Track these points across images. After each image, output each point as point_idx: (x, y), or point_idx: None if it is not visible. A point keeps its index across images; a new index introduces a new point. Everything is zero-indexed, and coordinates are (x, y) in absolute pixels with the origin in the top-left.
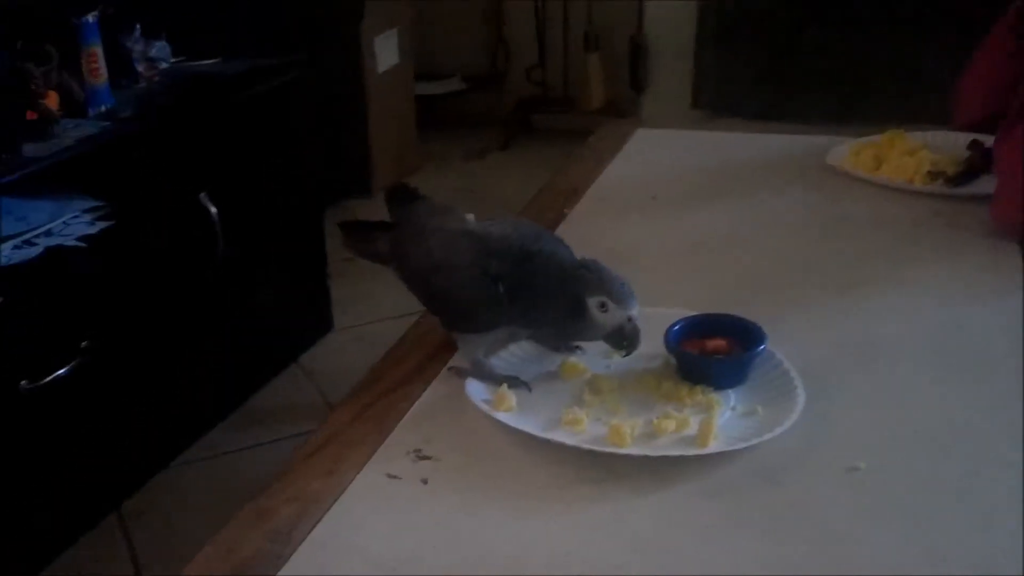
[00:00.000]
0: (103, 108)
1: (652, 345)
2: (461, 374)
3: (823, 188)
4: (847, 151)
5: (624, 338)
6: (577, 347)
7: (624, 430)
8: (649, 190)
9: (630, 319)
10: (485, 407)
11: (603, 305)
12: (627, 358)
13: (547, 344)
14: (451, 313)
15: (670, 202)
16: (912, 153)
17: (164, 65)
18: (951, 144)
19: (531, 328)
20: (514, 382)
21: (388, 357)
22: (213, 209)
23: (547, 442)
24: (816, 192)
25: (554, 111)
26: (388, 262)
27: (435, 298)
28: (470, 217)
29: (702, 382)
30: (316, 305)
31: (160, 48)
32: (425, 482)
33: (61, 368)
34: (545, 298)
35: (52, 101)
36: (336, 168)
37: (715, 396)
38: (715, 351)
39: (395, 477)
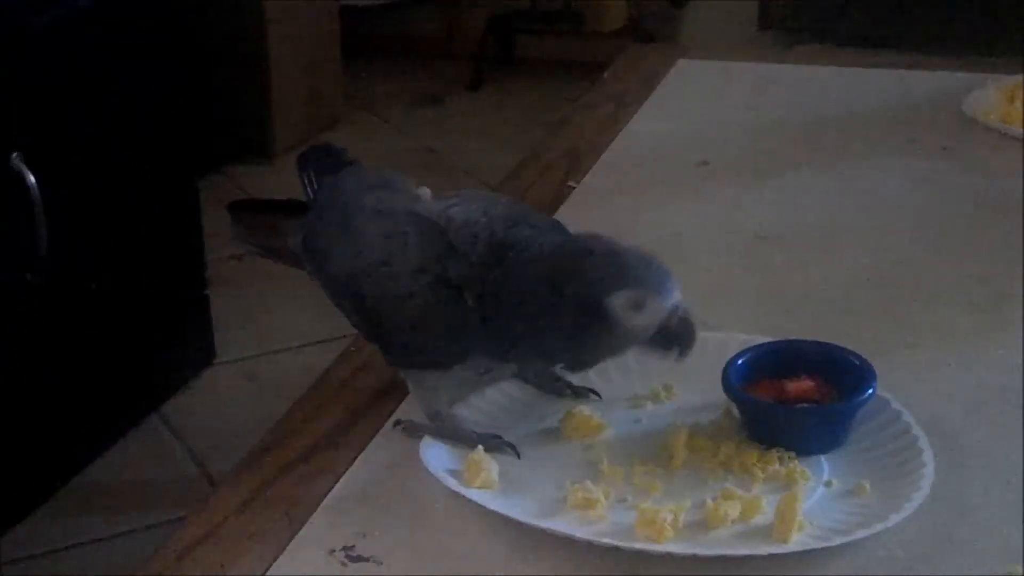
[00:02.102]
0: None
1: (703, 388)
2: (414, 432)
3: (957, 152)
4: (993, 96)
5: (675, 337)
6: (590, 391)
7: (663, 517)
8: (695, 153)
9: (675, 309)
10: (451, 482)
11: (636, 303)
12: (665, 406)
13: (543, 385)
14: (396, 340)
15: (727, 172)
16: None
17: None
18: None
19: (517, 360)
20: (494, 444)
21: (300, 406)
22: (31, 178)
23: (545, 533)
24: (946, 158)
25: (549, 32)
26: (301, 261)
27: (371, 317)
28: (423, 192)
29: (780, 444)
30: (189, 326)
31: None
32: None
33: None
34: (537, 312)
35: None
36: (218, 119)
37: (800, 466)
38: (800, 397)
39: None
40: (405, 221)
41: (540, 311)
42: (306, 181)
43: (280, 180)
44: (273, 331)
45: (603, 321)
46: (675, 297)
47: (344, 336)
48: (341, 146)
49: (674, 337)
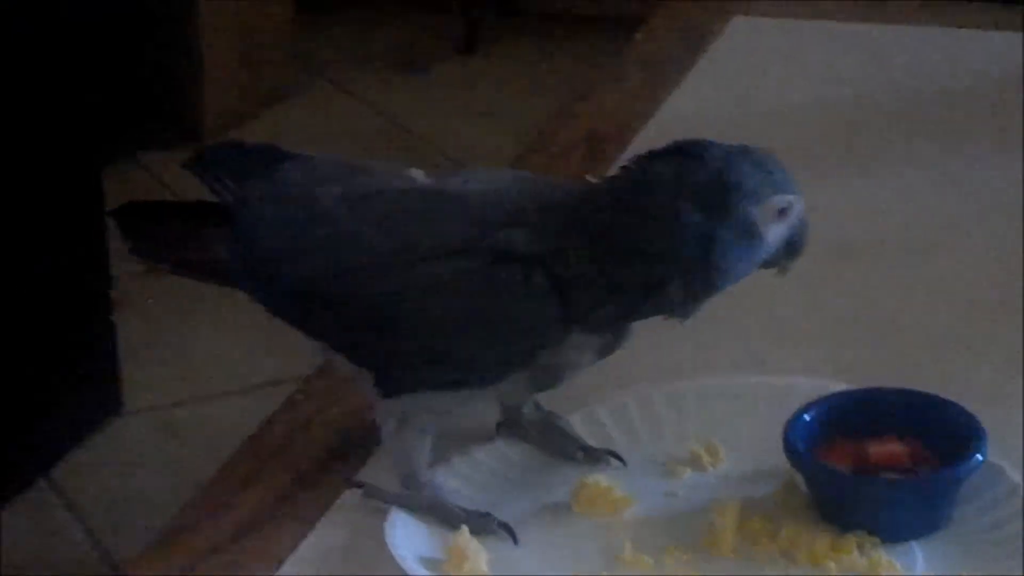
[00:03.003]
0: None
1: (759, 451)
2: (379, 500)
3: None
4: None
5: (795, 244)
6: (609, 454)
7: None
8: (752, 139)
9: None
10: (425, 574)
11: (783, 209)
12: (709, 475)
13: (547, 443)
14: (417, 352)
15: (793, 163)
16: None
17: None
18: None
19: (613, 328)
20: (483, 524)
21: (229, 471)
22: None
23: None
24: None
25: None
26: (231, 277)
27: (374, 328)
28: (415, 173)
29: (859, 526)
30: (88, 363)
31: None
32: None
33: None
34: (661, 250)
35: None
36: (131, 92)
37: (886, 555)
38: (885, 465)
39: None
40: (417, 198)
41: (664, 247)
42: (217, 185)
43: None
44: (197, 371)
45: (744, 235)
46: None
47: (286, 381)
48: (272, 142)
49: (798, 245)
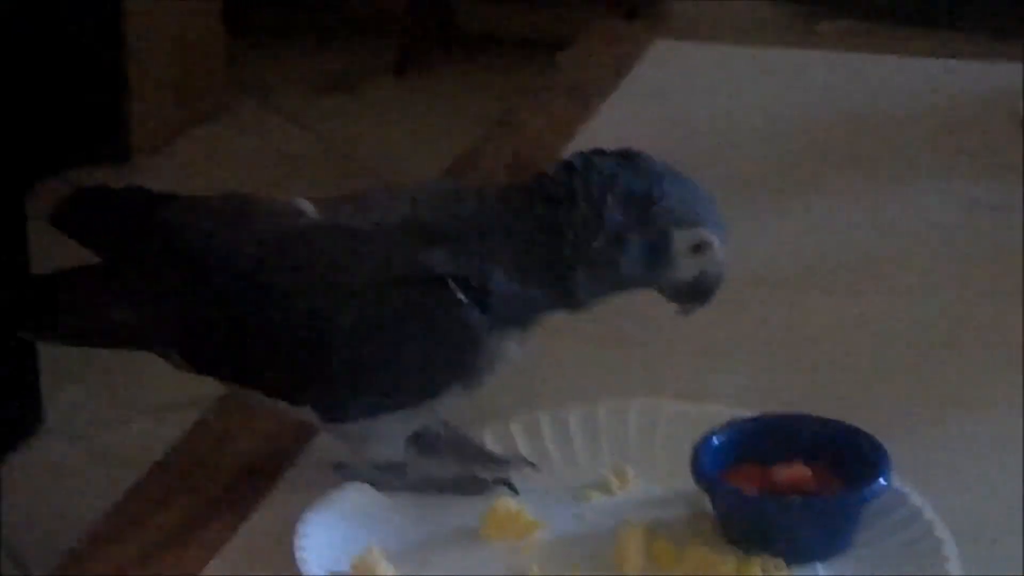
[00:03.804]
0: None
1: (668, 475)
2: (371, 482)
3: (1014, 169)
4: None
5: (704, 287)
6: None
7: None
8: (677, 164)
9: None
10: None
11: (699, 246)
12: (618, 498)
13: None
14: (366, 383)
15: (716, 190)
16: None
17: None
18: None
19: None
20: (485, 485)
21: (140, 491)
22: None
23: None
24: (1000, 177)
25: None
26: (139, 340)
27: (317, 370)
28: (304, 206)
29: (765, 548)
30: (8, 382)
31: None
32: None
33: None
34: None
35: None
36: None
37: None
38: (792, 488)
39: None
40: (326, 237)
41: (580, 237)
42: (90, 238)
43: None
44: (118, 388)
45: (656, 251)
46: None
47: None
48: (135, 185)
49: (705, 287)
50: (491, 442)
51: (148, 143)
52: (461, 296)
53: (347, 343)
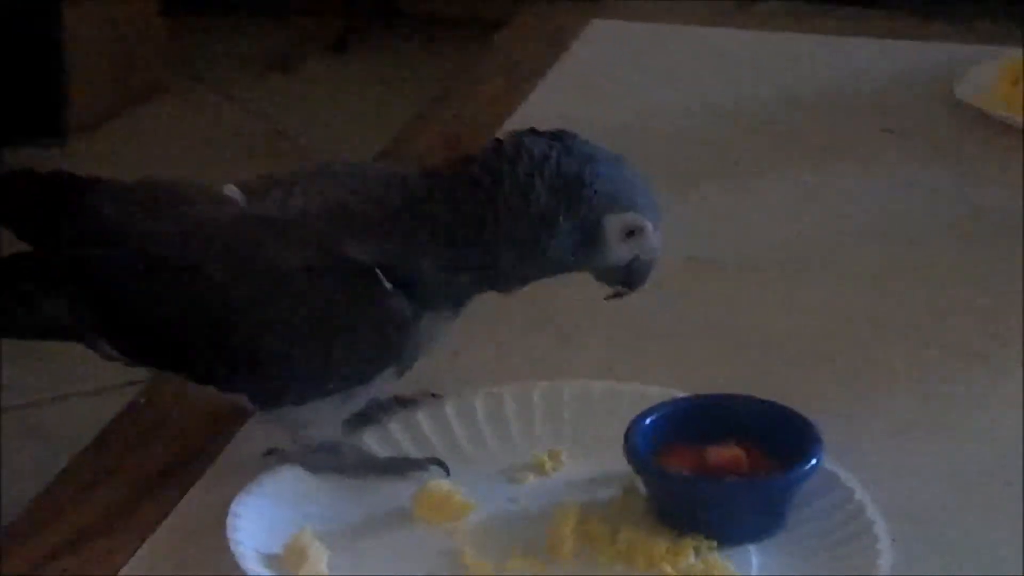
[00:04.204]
0: None
1: (600, 456)
2: (306, 463)
3: (948, 148)
4: (993, 75)
5: (637, 271)
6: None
7: None
8: (612, 145)
9: (656, 247)
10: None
11: (632, 231)
12: (551, 480)
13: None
14: (297, 370)
15: (652, 171)
16: None
17: None
18: None
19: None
20: (419, 464)
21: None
22: None
23: None
24: (935, 157)
25: None
26: (68, 332)
27: (249, 357)
28: (231, 191)
29: (697, 529)
30: None
31: None
32: None
33: None
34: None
35: None
36: None
37: (721, 558)
38: (724, 469)
39: None
40: (254, 226)
41: (507, 222)
42: (15, 224)
43: (74, 168)
44: (74, 367)
45: (586, 236)
46: (659, 233)
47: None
48: (57, 170)
49: (636, 272)
50: (426, 423)
51: (85, 122)
52: (387, 284)
53: (275, 332)
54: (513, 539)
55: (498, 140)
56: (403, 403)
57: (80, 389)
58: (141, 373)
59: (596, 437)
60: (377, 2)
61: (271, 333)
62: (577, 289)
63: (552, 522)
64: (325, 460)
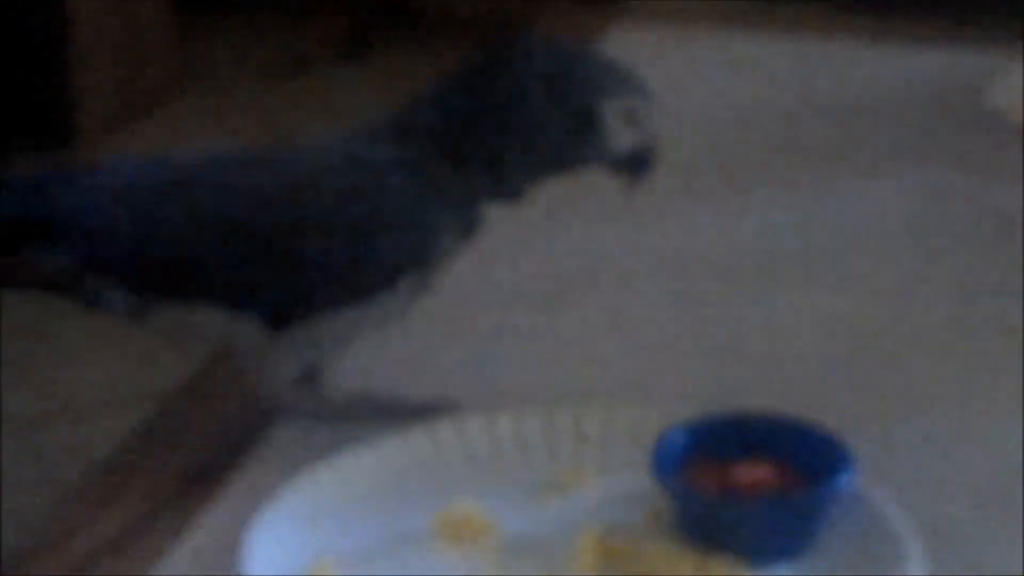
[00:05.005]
0: None
1: (625, 474)
2: (327, 416)
3: (975, 159)
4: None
5: (643, 156)
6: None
7: None
8: None
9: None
10: None
11: (631, 113)
12: (574, 498)
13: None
14: (331, 270)
15: (667, 182)
16: None
17: None
18: None
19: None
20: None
21: (81, 495)
22: None
23: None
24: (961, 168)
25: None
26: (78, 284)
27: (274, 259)
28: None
29: (725, 547)
30: None
31: None
32: None
33: None
34: (520, 127)
35: None
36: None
37: None
38: (752, 487)
39: None
40: (264, 153)
41: (506, 126)
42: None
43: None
44: (68, 384)
45: (584, 126)
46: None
47: (154, 397)
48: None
49: (647, 157)
50: (448, 439)
51: (94, 128)
52: (407, 181)
53: (297, 234)
54: (536, 559)
55: (486, 49)
56: (423, 408)
57: (85, 409)
58: (146, 389)
59: (621, 455)
60: (394, 3)
61: (292, 234)
62: (597, 305)
63: (576, 541)
64: (336, 410)
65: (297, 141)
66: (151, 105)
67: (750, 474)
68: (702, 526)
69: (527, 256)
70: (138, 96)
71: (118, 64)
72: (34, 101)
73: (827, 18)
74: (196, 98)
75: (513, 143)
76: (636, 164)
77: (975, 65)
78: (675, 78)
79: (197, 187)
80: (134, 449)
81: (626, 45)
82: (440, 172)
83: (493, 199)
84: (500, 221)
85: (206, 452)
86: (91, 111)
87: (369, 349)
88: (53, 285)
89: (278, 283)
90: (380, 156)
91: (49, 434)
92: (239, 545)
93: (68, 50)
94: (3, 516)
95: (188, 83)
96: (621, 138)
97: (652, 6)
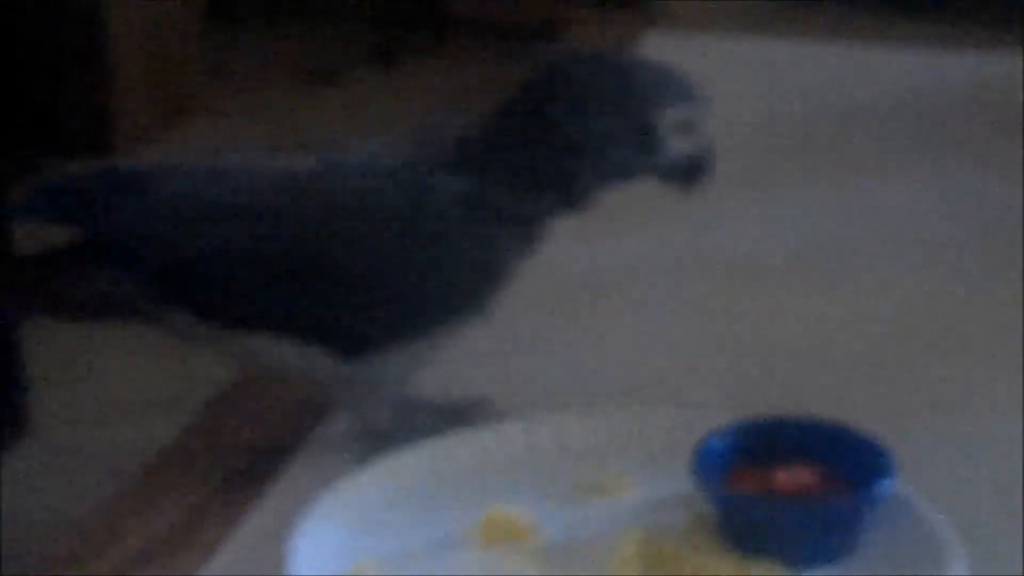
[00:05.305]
0: None
1: (666, 478)
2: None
3: (1009, 161)
4: None
5: (698, 164)
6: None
7: None
8: None
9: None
10: None
11: (688, 121)
12: (616, 502)
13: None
14: (420, 295)
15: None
16: None
17: None
18: None
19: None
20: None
21: (126, 497)
22: None
23: None
24: (995, 169)
25: None
26: (151, 299)
27: (350, 287)
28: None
29: (766, 552)
30: None
31: None
32: None
33: None
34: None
35: None
36: (37, 107)
37: None
38: (793, 491)
39: None
40: (323, 168)
41: (566, 143)
42: (68, 216)
43: None
44: (107, 389)
45: (641, 138)
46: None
47: (193, 401)
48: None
49: (691, 166)
50: (489, 443)
51: (128, 136)
52: (475, 210)
53: (371, 266)
54: (577, 563)
55: (537, 69)
56: (461, 408)
57: (126, 412)
58: (189, 394)
59: (662, 459)
60: (424, 10)
61: (365, 266)
62: (631, 308)
63: (617, 545)
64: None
65: (359, 155)
66: (184, 113)
67: (792, 478)
68: (744, 530)
69: (558, 261)
70: (171, 105)
71: (152, 73)
72: (69, 110)
73: (856, 21)
74: (229, 106)
75: (575, 159)
76: (692, 170)
77: (1007, 67)
78: (702, 82)
79: (260, 215)
80: (178, 453)
81: (653, 50)
82: (505, 194)
83: (554, 213)
84: None
85: (249, 456)
86: (125, 120)
87: None
88: (109, 310)
89: (344, 316)
90: (448, 184)
91: (92, 439)
92: (281, 549)
93: (103, 60)
94: (46, 521)
95: (221, 91)
96: (679, 146)
97: (679, 11)
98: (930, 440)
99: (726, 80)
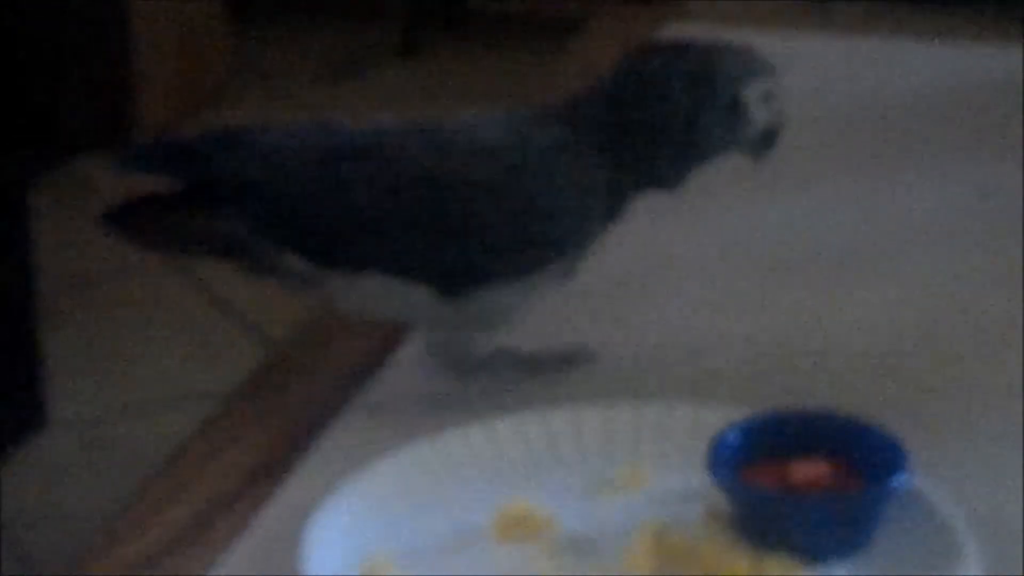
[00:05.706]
0: None
1: (682, 471)
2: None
3: None
4: None
5: (773, 131)
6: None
7: None
8: None
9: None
10: None
11: (767, 93)
12: (632, 495)
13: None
14: (522, 234)
15: (721, 179)
16: None
17: None
18: None
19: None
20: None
21: (147, 491)
22: None
23: None
24: (1015, 167)
25: None
26: (262, 232)
27: (453, 225)
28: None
29: (781, 545)
30: (10, 376)
31: None
32: None
33: None
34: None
35: None
36: (61, 97)
37: (806, 574)
38: (808, 485)
39: None
40: (430, 127)
41: (655, 124)
42: (171, 169)
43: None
44: (123, 383)
45: (729, 115)
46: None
47: (213, 394)
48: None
49: (767, 135)
50: (505, 437)
51: (152, 130)
52: (569, 165)
53: (467, 206)
54: (594, 556)
55: (626, 62)
56: (562, 358)
57: (146, 405)
58: (208, 388)
59: (678, 453)
60: (449, 3)
61: (469, 201)
62: (651, 305)
63: (633, 539)
64: (480, 364)
65: (462, 117)
66: (209, 106)
67: (807, 472)
68: (759, 524)
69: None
70: (196, 97)
71: (177, 65)
72: (95, 101)
73: (878, 16)
74: (253, 98)
75: (667, 139)
76: (768, 139)
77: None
78: None
79: (369, 156)
80: (195, 447)
81: None
82: (598, 161)
83: (647, 188)
84: None
85: (266, 449)
86: (150, 113)
87: None
88: (224, 250)
89: (448, 253)
90: (546, 138)
91: (110, 432)
92: (298, 541)
93: (128, 52)
94: (65, 514)
95: (245, 84)
96: (761, 116)
97: (706, 5)
98: (946, 434)
99: None
